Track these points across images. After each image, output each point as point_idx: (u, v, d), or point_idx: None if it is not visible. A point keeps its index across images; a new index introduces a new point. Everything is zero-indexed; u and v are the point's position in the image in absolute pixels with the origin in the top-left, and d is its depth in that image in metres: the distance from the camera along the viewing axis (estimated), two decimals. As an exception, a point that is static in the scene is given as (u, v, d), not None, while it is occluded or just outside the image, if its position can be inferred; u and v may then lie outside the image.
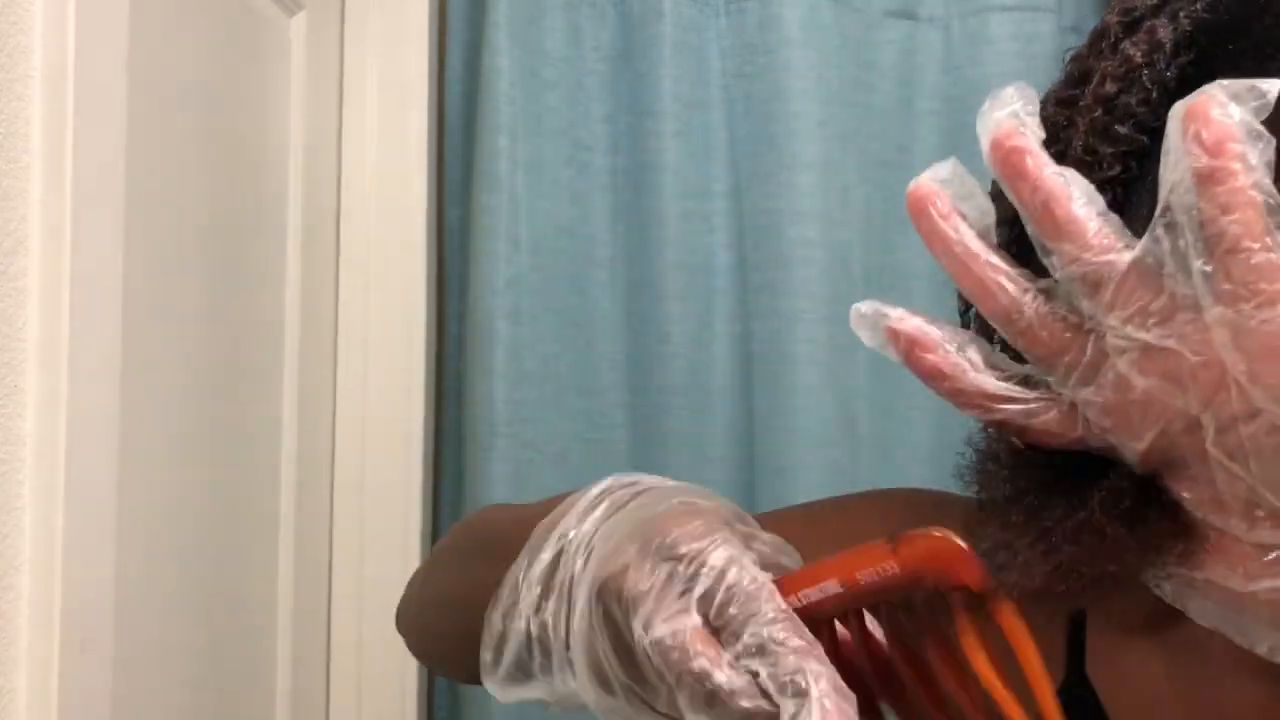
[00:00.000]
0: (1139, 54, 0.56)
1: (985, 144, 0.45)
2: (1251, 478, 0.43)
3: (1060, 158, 0.58)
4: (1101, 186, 0.56)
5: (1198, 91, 0.41)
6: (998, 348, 0.58)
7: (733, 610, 0.45)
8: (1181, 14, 0.56)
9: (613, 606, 0.47)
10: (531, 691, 0.53)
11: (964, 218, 0.48)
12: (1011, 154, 0.45)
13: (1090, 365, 0.45)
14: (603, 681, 0.49)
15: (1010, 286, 0.46)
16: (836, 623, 0.48)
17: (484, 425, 1.42)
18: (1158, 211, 0.42)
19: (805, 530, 0.73)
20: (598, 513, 0.53)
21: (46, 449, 0.81)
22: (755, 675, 0.44)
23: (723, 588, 0.45)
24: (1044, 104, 0.61)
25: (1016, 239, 0.61)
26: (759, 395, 1.46)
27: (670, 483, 0.54)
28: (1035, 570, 0.50)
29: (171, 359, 1.05)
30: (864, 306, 0.48)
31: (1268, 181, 0.40)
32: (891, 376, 1.46)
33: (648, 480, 0.54)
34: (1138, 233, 0.45)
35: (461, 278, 1.48)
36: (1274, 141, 0.41)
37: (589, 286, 1.48)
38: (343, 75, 1.42)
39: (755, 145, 1.47)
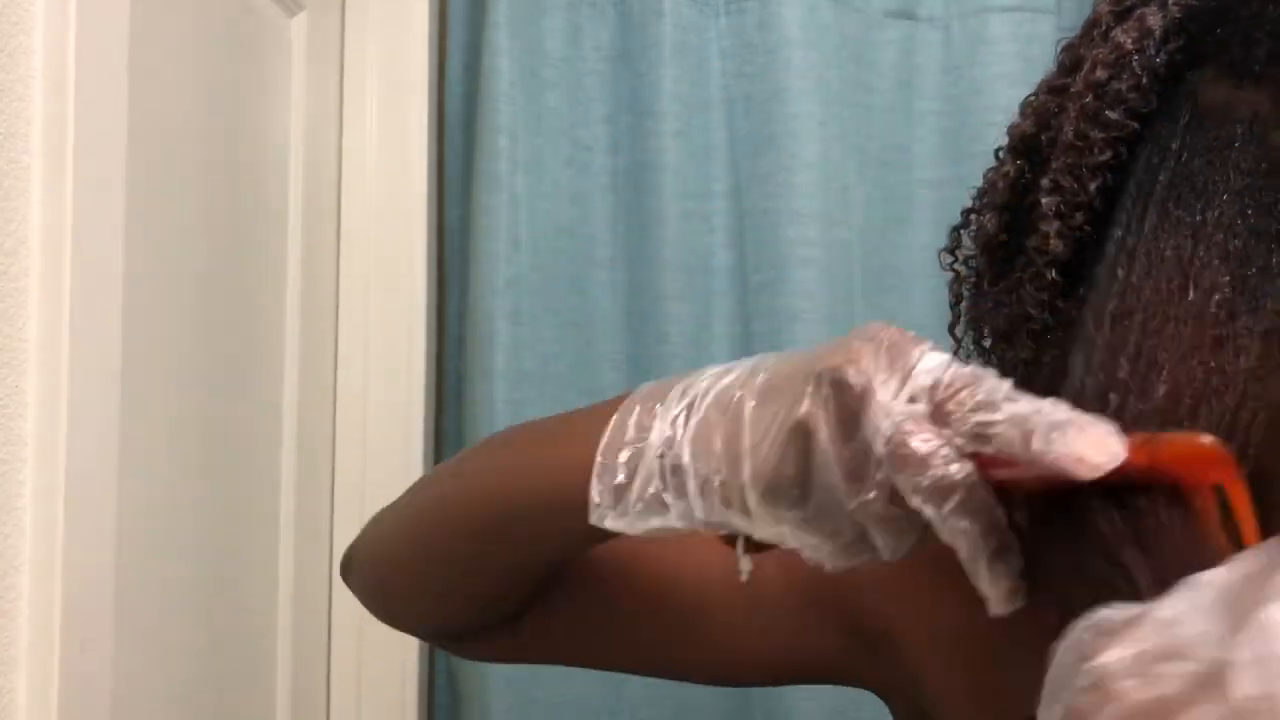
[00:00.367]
0: (1129, 41, 0.57)
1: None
2: None
3: (1051, 144, 0.59)
4: (1093, 171, 0.57)
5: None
6: (995, 358, 0.59)
7: (964, 396, 0.45)
8: (1171, 2, 0.57)
9: (831, 398, 0.47)
10: (666, 521, 0.53)
11: None
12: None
13: None
14: (781, 496, 0.49)
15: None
16: None
17: (484, 425, 1.42)
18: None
19: None
20: (733, 375, 0.52)
21: (47, 449, 0.81)
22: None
23: (945, 379, 0.46)
24: (1037, 92, 0.62)
25: (1007, 226, 0.62)
26: (759, 395, 1.45)
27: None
28: None
29: (172, 359, 1.05)
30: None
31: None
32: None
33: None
34: (1127, 217, 0.48)
35: (461, 278, 1.48)
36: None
37: (589, 286, 1.48)
38: (343, 75, 1.42)
39: (755, 145, 1.47)
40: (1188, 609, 0.38)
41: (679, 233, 1.46)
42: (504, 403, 1.42)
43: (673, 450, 0.52)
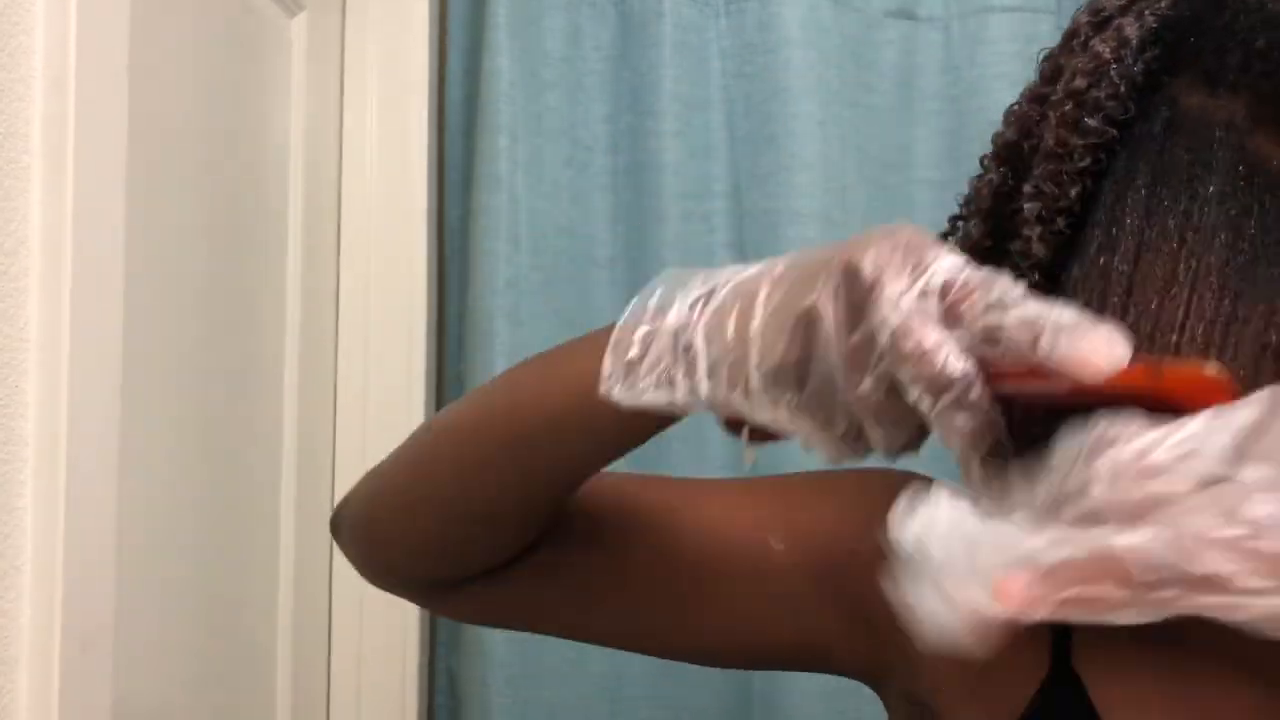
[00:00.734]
0: (1108, 50, 0.58)
1: None
2: None
3: (1033, 151, 0.60)
4: (1073, 177, 0.58)
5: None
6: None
7: (978, 297, 0.45)
8: (1147, 12, 0.59)
9: (842, 287, 0.48)
10: (672, 397, 0.53)
11: None
12: None
13: None
14: (783, 381, 0.49)
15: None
16: None
17: (484, 425, 1.42)
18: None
19: (775, 492, 0.74)
20: (755, 268, 0.53)
21: (48, 449, 0.81)
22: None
23: (960, 280, 0.46)
24: (1019, 101, 0.64)
25: (991, 232, 0.63)
26: (759, 395, 1.45)
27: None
28: None
29: (172, 359, 1.05)
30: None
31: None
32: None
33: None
34: (1108, 222, 0.50)
35: (461, 278, 1.48)
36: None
37: (589, 286, 1.48)
38: (343, 76, 1.42)
39: (755, 145, 1.47)
40: (1199, 430, 0.40)
41: (679, 233, 1.46)
42: (504, 403, 1.42)
43: (687, 332, 0.52)
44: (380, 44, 1.42)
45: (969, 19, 1.51)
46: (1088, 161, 0.58)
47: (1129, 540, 0.39)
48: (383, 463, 0.72)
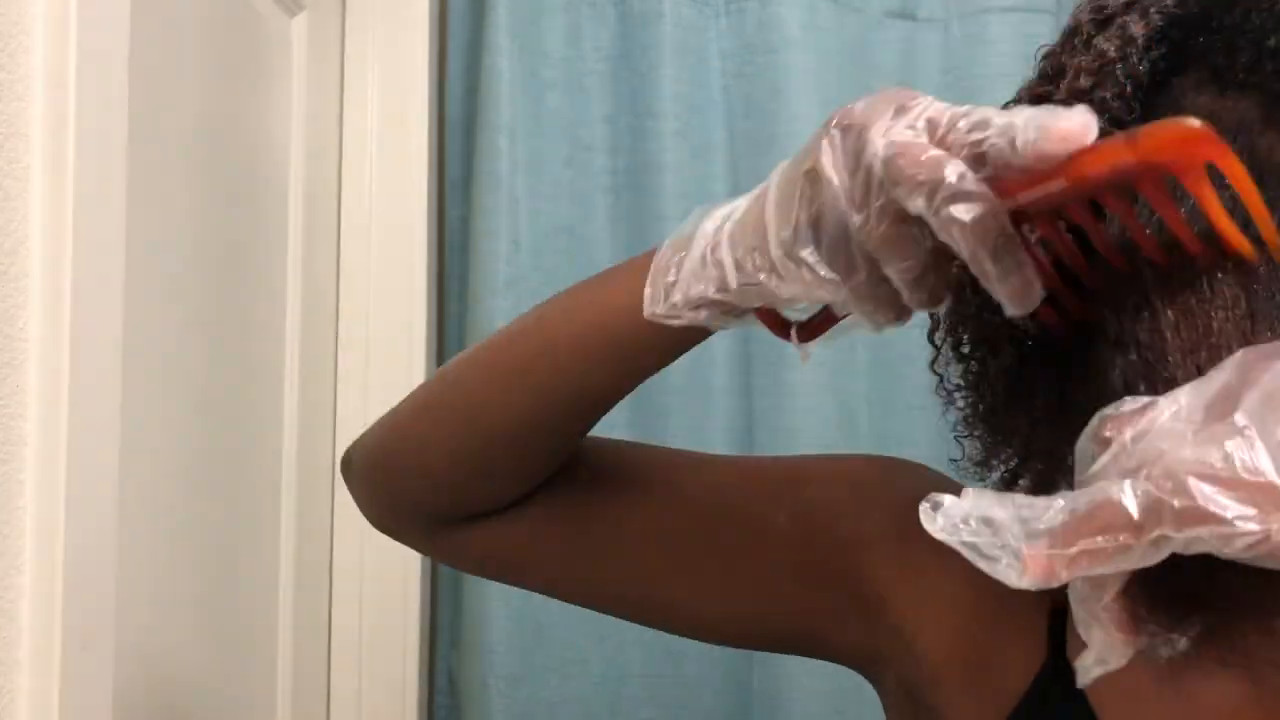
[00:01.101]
0: (1112, 49, 0.58)
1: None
2: None
3: None
4: None
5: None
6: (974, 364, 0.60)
7: (961, 124, 0.48)
8: (1153, 10, 0.58)
9: (837, 136, 0.51)
10: (705, 292, 0.58)
11: None
12: None
13: None
14: (798, 240, 0.52)
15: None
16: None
17: (484, 425, 1.42)
18: None
19: (789, 468, 0.74)
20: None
21: (48, 449, 0.81)
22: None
23: (945, 116, 0.49)
24: (1017, 101, 0.63)
25: None
26: (759, 395, 1.45)
27: None
28: None
29: (172, 359, 1.05)
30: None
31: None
32: (891, 376, 1.46)
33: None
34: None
35: (461, 278, 1.48)
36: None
37: (589, 287, 1.47)
38: (343, 75, 1.42)
39: (755, 145, 1.47)
40: (1194, 401, 0.43)
41: (679, 233, 1.46)
42: (504, 403, 1.42)
43: (714, 248, 0.57)
44: (380, 44, 1.42)
45: (969, 19, 1.51)
46: None
47: (1124, 485, 0.41)
48: (402, 401, 0.73)
